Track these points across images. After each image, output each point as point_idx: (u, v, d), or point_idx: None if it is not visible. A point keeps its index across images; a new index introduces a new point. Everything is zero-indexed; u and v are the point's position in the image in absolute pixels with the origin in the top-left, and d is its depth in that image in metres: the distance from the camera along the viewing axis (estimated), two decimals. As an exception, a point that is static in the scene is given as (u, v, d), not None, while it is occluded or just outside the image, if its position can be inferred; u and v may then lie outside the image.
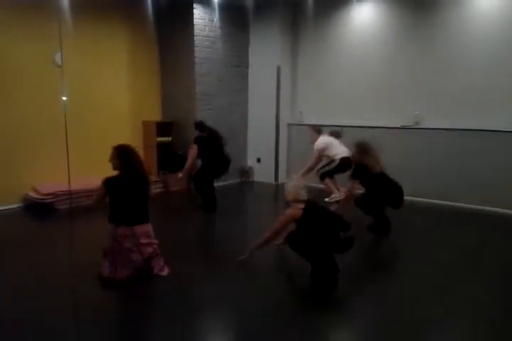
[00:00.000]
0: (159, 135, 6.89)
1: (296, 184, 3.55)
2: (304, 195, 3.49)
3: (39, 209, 5.55)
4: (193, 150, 5.54)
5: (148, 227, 3.50)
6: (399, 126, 6.21)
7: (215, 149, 5.63)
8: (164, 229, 4.26)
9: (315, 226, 3.37)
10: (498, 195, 5.48)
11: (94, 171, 6.33)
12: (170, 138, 7.03)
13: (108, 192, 3.48)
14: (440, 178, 5.89)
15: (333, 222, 3.44)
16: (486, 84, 5.53)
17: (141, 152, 6.95)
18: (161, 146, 6.87)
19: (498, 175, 5.46)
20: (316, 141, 5.73)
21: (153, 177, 6.63)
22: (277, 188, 6.77)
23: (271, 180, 7.26)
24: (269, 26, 7.12)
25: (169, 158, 6.27)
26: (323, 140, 5.73)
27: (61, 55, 5.61)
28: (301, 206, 3.43)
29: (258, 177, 7.63)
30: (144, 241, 3.42)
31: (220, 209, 5.59)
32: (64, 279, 3.49)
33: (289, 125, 7.41)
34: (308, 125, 6.19)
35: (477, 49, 5.58)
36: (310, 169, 5.68)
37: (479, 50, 5.56)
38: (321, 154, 5.69)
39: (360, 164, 4.70)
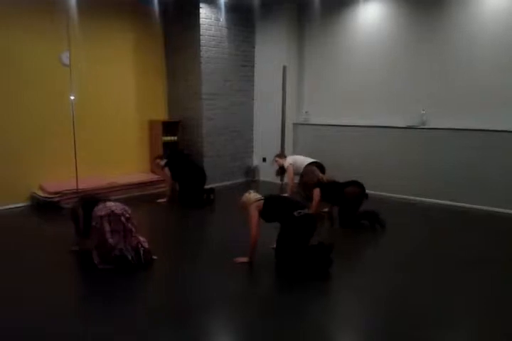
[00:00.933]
0: (165, 134, 6.91)
1: (244, 197, 3.89)
2: (255, 195, 3.85)
3: (45, 208, 5.57)
4: (167, 174, 6.00)
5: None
6: (405, 125, 6.19)
7: (185, 167, 6.09)
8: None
9: (278, 203, 3.85)
10: (507, 196, 5.45)
11: (100, 170, 6.42)
12: (176, 138, 7.05)
13: None
14: (448, 179, 5.86)
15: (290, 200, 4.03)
16: (494, 83, 5.49)
17: (147, 151, 7.03)
18: (166, 145, 6.89)
19: (508, 175, 5.43)
20: (283, 164, 6.28)
21: (158, 177, 6.68)
22: (282, 187, 6.78)
23: (276, 179, 7.25)
24: (275, 26, 7.12)
25: (175, 157, 6.29)
26: (288, 159, 6.27)
27: (69, 55, 5.66)
28: (260, 198, 3.83)
29: (264, 176, 7.64)
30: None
31: (222, 208, 5.67)
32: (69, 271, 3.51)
33: (295, 125, 7.41)
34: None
35: (485, 48, 5.54)
36: (291, 186, 6.13)
37: (487, 49, 5.52)
38: (294, 169, 6.16)
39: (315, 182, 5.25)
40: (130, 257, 3.59)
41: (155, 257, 3.80)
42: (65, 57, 5.78)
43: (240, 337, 2.70)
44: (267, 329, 2.72)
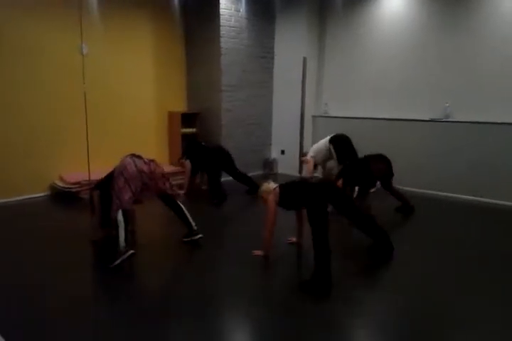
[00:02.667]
0: (184, 126, 6.89)
1: (261, 188, 3.74)
2: (273, 185, 3.69)
3: (65, 198, 5.61)
4: (187, 166, 5.93)
5: None
6: (428, 118, 6.06)
7: (206, 154, 5.92)
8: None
9: (294, 186, 3.67)
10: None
11: (118, 161, 6.41)
12: (194, 130, 7.03)
13: None
14: (472, 174, 5.72)
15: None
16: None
17: (166, 142, 7.03)
18: (185, 137, 6.87)
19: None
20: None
21: (177, 168, 6.67)
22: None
23: (295, 172, 7.19)
24: (295, 16, 7.02)
25: (193, 147, 6.25)
26: (310, 152, 5.99)
27: (82, 44, 5.65)
28: (274, 186, 3.67)
29: (282, 169, 7.58)
30: None
31: (240, 200, 5.63)
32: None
33: (314, 117, 7.32)
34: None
35: (512, 39, 5.38)
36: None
37: (515, 41, 5.36)
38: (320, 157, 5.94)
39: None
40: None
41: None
42: (82, 47, 5.78)
43: (250, 334, 2.67)
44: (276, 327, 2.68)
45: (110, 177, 3.76)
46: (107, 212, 3.82)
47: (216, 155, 5.89)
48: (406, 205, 5.11)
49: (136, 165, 3.63)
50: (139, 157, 3.76)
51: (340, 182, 4.74)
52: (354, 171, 4.83)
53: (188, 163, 5.96)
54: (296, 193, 3.60)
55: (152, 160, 3.82)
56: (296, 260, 3.88)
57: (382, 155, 4.91)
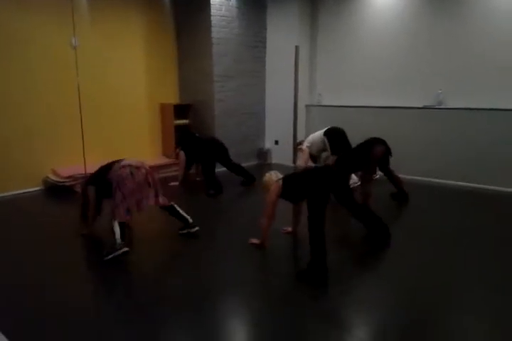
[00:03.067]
0: (177, 117, 6.85)
1: (265, 178, 3.70)
2: (277, 176, 3.66)
3: (58, 192, 5.59)
4: (181, 157, 5.93)
5: None
6: (421, 106, 6.05)
7: (199, 145, 5.91)
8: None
9: (297, 177, 3.65)
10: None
11: (113, 154, 6.38)
12: (187, 121, 6.99)
13: None
14: (465, 160, 5.75)
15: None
16: (513, 61, 5.34)
17: (159, 134, 6.99)
18: (178, 128, 6.83)
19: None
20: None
21: (171, 160, 6.65)
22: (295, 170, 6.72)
23: (289, 162, 7.18)
24: (286, 5, 6.94)
25: (187, 138, 6.21)
26: (306, 142, 5.91)
27: (75, 37, 5.57)
28: (277, 178, 3.64)
29: (276, 159, 7.57)
30: None
31: (234, 191, 5.64)
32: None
33: (307, 106, 7.30)
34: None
35: (506, 25, 5.34)
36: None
37: (508, 26, 5.33)
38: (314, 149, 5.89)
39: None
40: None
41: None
42: (73, 40, 5.70)
43: (249, 326, 2.69)
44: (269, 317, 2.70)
45: (104, 172, 3.74)
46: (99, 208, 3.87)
47: (210, 146, 5.86)
48: (401, 192, 5.14)
49: (134, 179, 3.59)
50: (136, 166, 3.67)
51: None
52: (353, 157, 4.89)
53: (182, 154, 5.94)
54: (299, 186, 3.56)
55: (143, 166, 3.76)
56: (291, 250, 3.89)
57: (379, 138, 4.94)
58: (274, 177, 3.67)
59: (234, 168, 6.01)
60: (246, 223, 4.31)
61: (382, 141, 4.90)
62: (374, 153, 4.78)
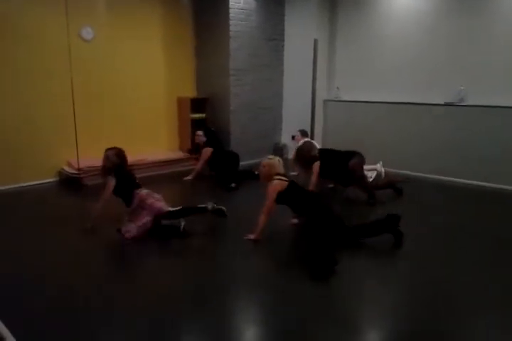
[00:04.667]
0: (193, 111, 6.82)
1: (272, 160, 3.74)
2: (280, 167, 3.72)
3: (72, 184, 5.61)
4: (207, 153, 5.93)
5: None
6: (442, 102, 5.90)
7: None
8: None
9: (298, 196, 3.67)
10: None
11: (129, 147, 6.38)
12: (204, 115, 6.96)
13: None
14: (486, 159, 5.58)
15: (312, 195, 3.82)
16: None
17: (175, 128, 6.98)
18: (194, 122, 6.81)
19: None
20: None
21: (185, 155, 6.64)
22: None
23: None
24: (306, -3, 6.83)
25: (211, 137, 6.20)
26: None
27: (90, 30, 5.54)
28: (284, 178, 3.68)
29: (292, 154, 7.48)
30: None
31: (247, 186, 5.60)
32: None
33: (325, 101, 7.19)
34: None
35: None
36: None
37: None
38: None
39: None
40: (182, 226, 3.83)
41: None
42: (86, 33, 5.70)
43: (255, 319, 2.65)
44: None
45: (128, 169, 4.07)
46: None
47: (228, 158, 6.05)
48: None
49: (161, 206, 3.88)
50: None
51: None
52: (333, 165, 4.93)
53: (209, 150, 5.92)
54: (296, 200, 3.68)
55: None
56: (291, 243, 3.91)
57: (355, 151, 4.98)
58: (277, 165, 3.71)
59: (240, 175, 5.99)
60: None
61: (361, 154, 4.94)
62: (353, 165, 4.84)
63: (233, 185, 5.51)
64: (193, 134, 6.37)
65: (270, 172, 3.70)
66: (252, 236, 3.72)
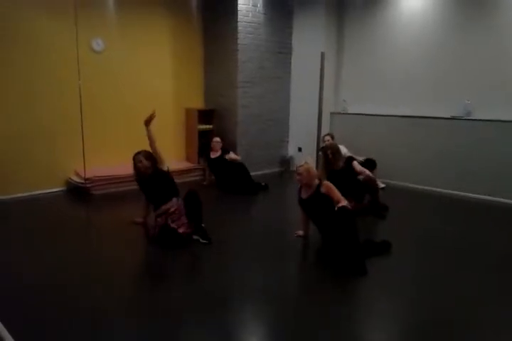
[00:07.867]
0: (201, 122, 6.88)
1: (307, 165, 3.75)
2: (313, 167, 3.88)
3: (79, 193, 5.66)
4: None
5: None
6: (449, 116, 5.91)
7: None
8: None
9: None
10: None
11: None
12: (211, 126, 7.01)
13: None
14: (493, 173, 5.57)
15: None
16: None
17: (183, 139, 7.03)
18: (202, 134, 6.86)
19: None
20: None
21: (193, 164, 6.68)
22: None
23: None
24: (313, 11, 6.91)
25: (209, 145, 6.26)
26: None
27: (97, 40, 5.63)
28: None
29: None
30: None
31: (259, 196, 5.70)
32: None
33: (332, 114, 7.23)
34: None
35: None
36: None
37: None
38: None
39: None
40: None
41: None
42: (96, 44, 5.81)
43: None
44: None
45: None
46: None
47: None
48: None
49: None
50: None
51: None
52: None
53: (203, 161, 6.11)
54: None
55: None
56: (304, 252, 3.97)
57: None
58: (314, 169, 3.84)
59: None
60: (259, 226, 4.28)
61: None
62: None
63: (263, 183, 6.02)
64: (200, 144, 6.55)
65: (311, 175, 3.73)
66: (300, 233, 4.04)
